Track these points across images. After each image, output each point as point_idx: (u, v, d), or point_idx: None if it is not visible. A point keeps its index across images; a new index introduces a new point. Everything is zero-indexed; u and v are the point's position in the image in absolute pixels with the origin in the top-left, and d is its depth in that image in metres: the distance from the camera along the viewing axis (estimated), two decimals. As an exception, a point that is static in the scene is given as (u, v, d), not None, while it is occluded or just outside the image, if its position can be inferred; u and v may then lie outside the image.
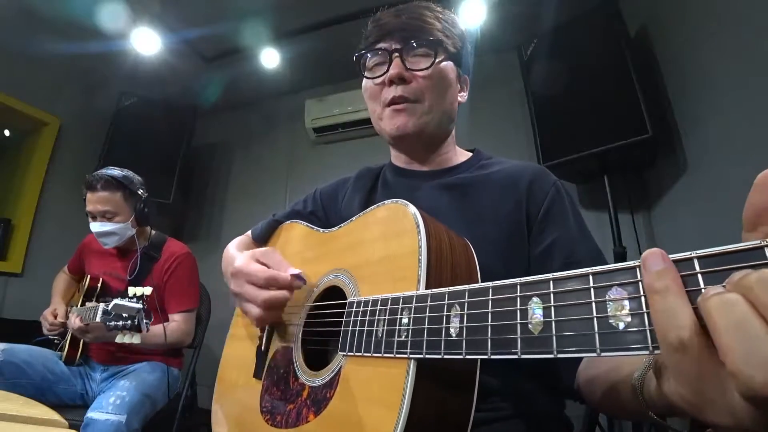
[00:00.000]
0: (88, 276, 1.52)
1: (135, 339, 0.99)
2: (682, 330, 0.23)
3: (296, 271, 0.59)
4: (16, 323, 2.10)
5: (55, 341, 1.48)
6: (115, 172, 1.47)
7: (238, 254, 0.71)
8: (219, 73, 2.63)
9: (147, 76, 2.58)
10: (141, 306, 0.98)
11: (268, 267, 0.61)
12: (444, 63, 0.70)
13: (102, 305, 1.03)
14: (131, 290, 0.99)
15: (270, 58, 2.42)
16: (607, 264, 0.62)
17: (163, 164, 2.51)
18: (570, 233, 0.63)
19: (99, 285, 1.48)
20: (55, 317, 1.47)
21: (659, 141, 1.54)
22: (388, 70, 0.68)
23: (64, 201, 2.53)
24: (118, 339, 0.98)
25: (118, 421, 1.12)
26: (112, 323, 0.98)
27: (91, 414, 1.15)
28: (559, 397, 0.63)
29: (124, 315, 0.98)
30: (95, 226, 1.44)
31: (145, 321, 0.99)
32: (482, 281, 0.49)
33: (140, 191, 1.50)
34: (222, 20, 2.19)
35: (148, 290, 0.99)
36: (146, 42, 2.20)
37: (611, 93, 1.61)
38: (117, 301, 0.98)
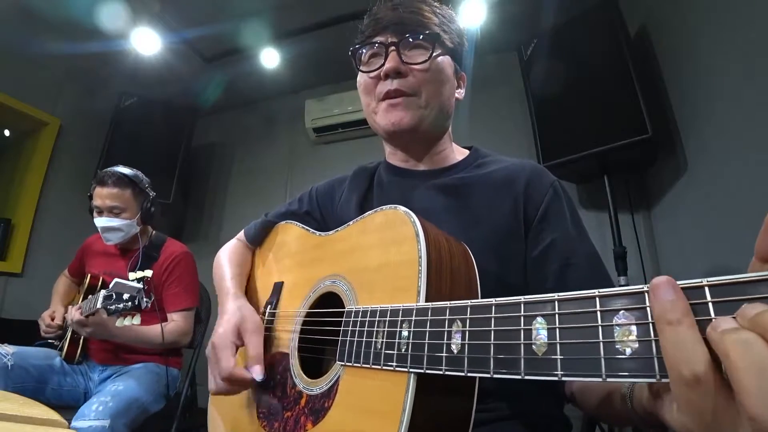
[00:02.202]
0: (89, 275, 1.52)
1: (135, 320, 1.00)
2: (696, 365, 0.23)
3: (259, 376, 0.59)
4: (16, 323, 2.10)
5: (54, 343, 1.48)
6: (126, 170, 1.51)
7: (228, 285, 0.76)
8: (219, 73, 2.63)
9: (147, 76, 2.58)
10: (141, 286, 0.99)
11: (245, 346, 0.63)
12: (441, 57, 0.68)
13: (103, 291, 1.04)
14: (131, 275, 1.00)
15: (270, 58, 2.42)
16: (604, 266, 0.63)
17: (163, 164, 2.51)
18: (568, 235, 0.63)
19: (99, 284, 1.48)
20: (53, 319, 1.47)
21: (659, 141, 1.54)
22: (384, 64, 0.66)
23: (64, 201, 2.53)
24: (119, 323, 0.99)
25: (101, 426, 1.11)
26: (113, 307, 0.99)
27: (75, 424, 1.13)
28: (558, 398, 0.63)
29: (124, 297, 0.99)
30: (101, 221, 1.45)
31: (145, 299, 1.00)
32: (480, 284, 0.48)
33: (148, 190, 1.54)
34: (222, 20, 2.19)
35: (148, 272, 1.01)
36: (146, 42, 2.19)
37: (611, 93, 1.61)
38: (118, 280, 1.00)
